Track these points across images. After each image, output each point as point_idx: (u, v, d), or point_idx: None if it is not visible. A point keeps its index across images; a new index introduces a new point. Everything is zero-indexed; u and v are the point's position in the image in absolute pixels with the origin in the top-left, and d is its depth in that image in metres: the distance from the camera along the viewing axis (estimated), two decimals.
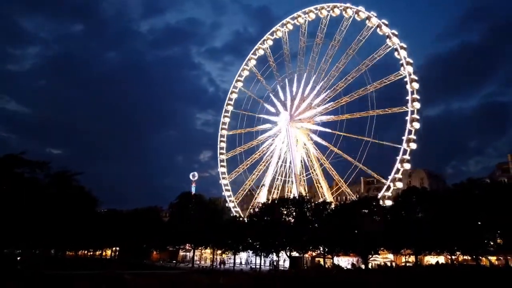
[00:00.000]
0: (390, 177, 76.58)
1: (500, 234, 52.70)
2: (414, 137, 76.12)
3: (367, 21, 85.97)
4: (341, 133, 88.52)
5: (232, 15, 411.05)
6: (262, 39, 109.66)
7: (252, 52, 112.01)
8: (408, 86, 77.91)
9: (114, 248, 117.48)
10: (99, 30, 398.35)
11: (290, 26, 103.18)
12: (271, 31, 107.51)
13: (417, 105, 76.95)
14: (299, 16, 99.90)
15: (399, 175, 76.65)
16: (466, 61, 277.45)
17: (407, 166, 76.53)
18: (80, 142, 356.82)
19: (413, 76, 78.38)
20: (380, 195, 76.78)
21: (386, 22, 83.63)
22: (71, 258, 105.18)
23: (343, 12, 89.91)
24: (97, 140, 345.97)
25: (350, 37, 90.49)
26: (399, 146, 76.21)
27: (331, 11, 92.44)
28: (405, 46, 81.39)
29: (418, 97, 77.44)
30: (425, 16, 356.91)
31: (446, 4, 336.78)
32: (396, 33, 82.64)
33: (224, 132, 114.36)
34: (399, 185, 76.99)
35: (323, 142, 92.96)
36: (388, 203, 71.57)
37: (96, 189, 73.01)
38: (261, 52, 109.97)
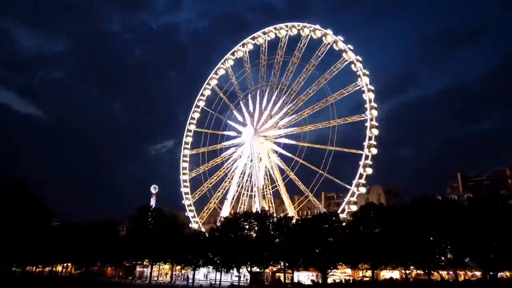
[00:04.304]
0: (354, 182, 78.74)
1: (450, 249, 55.44)
2: (375, 143, 79.51)
3: (323, 38, 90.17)
4: (304, 144, 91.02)
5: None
6: (224, 59, 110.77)
7: (213, 72, 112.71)
8: (365, 95, 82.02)
9: (65, 264, 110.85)
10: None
11: (250, 46, 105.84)
12: (232, 51, 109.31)
13: (375, 112, 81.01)
14: (259, 36, 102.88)
15: (362, 180, 79.04)
16: None
17: (369, 171, 78.81)
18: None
19: (369, 87, 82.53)
20: (344, 204, 79.74)
21: (342, 39, 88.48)
22: (18, 275, 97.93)
23: (301, 31, 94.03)
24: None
25: (309, 54, 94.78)
26: (361, 152, 79.02)
27: (289, 30, 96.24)
28: (360, 59, 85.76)
29: (375, 105, 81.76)
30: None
31: None
32: (352, 47, 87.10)
33: (190, 134, 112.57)
34: (362, 190, 79.82)
35: (288, 154, 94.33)
36: (354, 207, 74.91)
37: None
38: (222, 71, 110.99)
